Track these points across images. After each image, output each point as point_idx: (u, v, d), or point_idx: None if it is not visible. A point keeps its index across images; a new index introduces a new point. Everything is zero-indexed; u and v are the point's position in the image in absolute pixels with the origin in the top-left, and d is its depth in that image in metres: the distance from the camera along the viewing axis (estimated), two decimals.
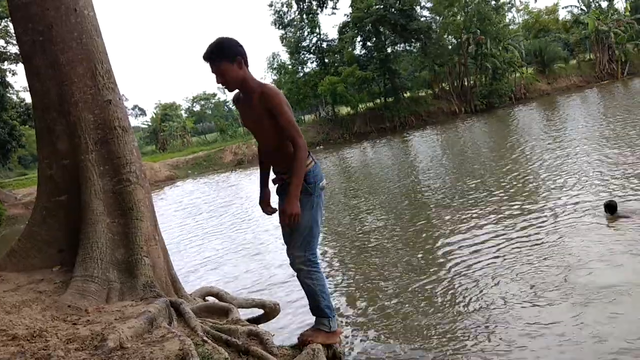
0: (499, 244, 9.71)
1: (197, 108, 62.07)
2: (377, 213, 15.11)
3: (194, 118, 60.41)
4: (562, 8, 73.84)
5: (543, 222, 10.51)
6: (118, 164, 5.41)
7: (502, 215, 11.63)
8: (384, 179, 21.61)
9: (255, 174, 32.58)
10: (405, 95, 50.53)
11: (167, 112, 55.26)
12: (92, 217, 5.16)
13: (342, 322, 7.78)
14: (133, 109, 73.09)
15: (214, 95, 59.71)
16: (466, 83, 50.20)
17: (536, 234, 9.89)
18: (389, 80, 48.62)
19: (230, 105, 65.25)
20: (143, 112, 70.64)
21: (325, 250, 12.30)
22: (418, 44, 49.78)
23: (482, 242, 10.02)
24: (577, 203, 11.31)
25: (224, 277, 11.18)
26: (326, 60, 51.50)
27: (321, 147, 43.73)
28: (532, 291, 7.22)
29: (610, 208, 9.65)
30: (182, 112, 59.73)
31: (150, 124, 59.31)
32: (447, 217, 12.54)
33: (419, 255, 10.15)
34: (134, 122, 74.27)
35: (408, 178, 20.44)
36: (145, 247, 5.21)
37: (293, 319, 7.88)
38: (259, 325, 5.57)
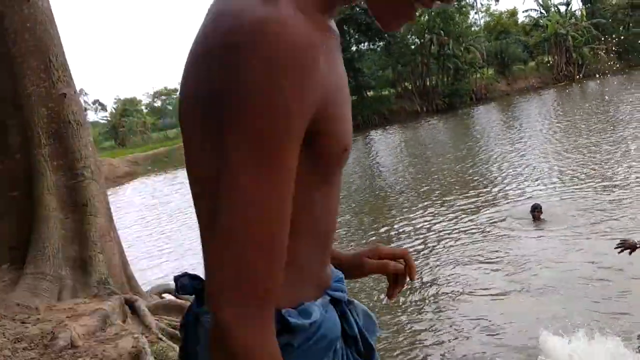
0: (445, 239, 10.00)
1: (158, 103, 61.25)
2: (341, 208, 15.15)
3: (156, 116, 59.69)
4: (522, 11, 75.47)
5: (480, 222, 10.82)
6: (72, 159, 5.30)
7: (452, 215, 11.87)
8: (347, 177, 21.70)
9: None
10: (368, 94, 50.83)
11: (127, 108, 54.38)
12: (44, 213, 5.05)
13: None
14: (94, 103, 71.60)
15: (176, 90, 58.95)
16: (428, 83, 50.78)
17: (469, 229, 10.17)
18: (353, 79, 48.81)
19: None
20: (103, 107, 69.27)
21: None
22: (382, 43, 50.14)
23: (436, 241, 10.24)
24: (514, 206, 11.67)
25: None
26: None
27: None
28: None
29: (535, 210, 9.96)
30: (143, 107, 58.92)
31: (109, 119, 58.29)
32: (400, 215, 12.72)
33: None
34: (94, 117, 72.69)
35: (368, 178, 20.61)
36: (99, 244, 5.12)
37: None
38: None
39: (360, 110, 47.14)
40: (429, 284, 8.19)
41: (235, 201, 0.80)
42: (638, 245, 7.94)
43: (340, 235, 12.75)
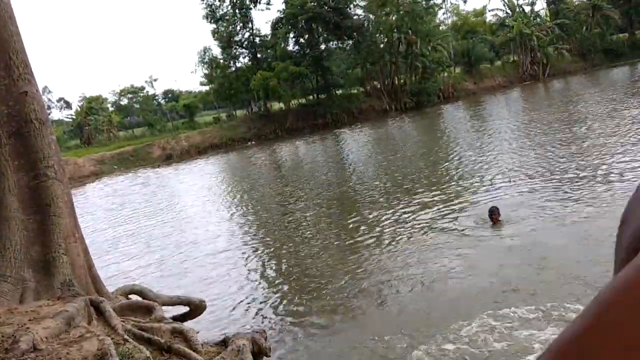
0: (407, 234, 10.10)
1: (124, 102, 60.15)
2: (306, 205, 15.21)
3: (123, 114, 58.70)
4: (489, 11, 76.49)
5: (442, 215, 10.97)
6: (35, 158, 5.18)
7: (414, 210, 12.02)
8: (315, 175, 21.73)
9: (184, 170, 32.07)
10: (337, 92, 50.92)
11: (92, 106, 53.29)
12: (5, 214, 4.93)
13: (272, 317, 7.80)
14: (58, 101, 70.02)
15: (142, 88, 57.93)
16: (397, 81, 51.11)
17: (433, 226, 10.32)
18: (322, 77, 48.87)
19: (160, 99, 63.83)
20: (68, 105, 67.76)
21: (255, 240, 12.30)
22: (351, 42, 50.26)
23: (397, 233, 10.34)
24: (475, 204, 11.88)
25: (152, 275, 10.95)
26: (259, 56, 51.19)
27: (253, 142, 43.45)
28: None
29: (492, 214, 10.10)
30: (109, 105, 57.74)
31: (74, 117, 57.09)
32: (369, 212, 12.81)
33: (335, 244, 10.34)
34: (59, 115, 71.07)
35: (338, 176, 20.67)
36: (63, 245, 5.02)
37: (218, 315, 7.82)
38: (184, 323, 5.49)
39: (329, 108, 47.20)
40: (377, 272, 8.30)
41: None
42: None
43: (308, 225, 12.84)
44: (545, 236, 9.05)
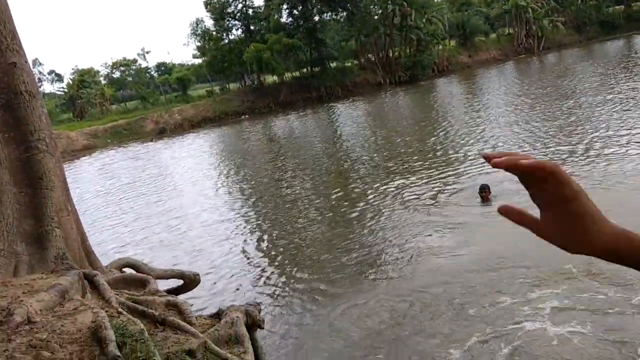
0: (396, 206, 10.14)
1: (117, 75, 59.43)
2: (299, 178, 15.22)
3: (115, 87, 58.03)
4: None
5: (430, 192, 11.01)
6: (25, 131, 5.12)
7: (405, 183, 12.05)
8: (310, 149, 21.68)
9: (177, 144, 31.90)
10: (331, 65, 50.54)
11: (84, 79, 52.69)
12: None
13: (265, 290, 7.85)
14: (49, 74, 69.27)
15: (135, 61, 57.16)
16: (391, 54, 50.73)
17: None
18: (316, 50, 48.45)
19: (153, 72, 63.16)
20: (60, 78, 67.03)
21: (248, 213, 12.33)
22: (345, 13, 49.75)
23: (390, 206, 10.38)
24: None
25: (146, 248, 10.97)
26: (252, 28, 50.66)
27: (246, 116, 43.23)
28: None
29: (483, 191, 10.05)
30: (101, 78, 57.10)
31: (66, 90, 56.47)
32: (360, 185, 12.83)
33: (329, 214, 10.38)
34: (50, 88, 70.40)
35: (330, 149, 20.64)
36: (56, 218, 5.00)
37: (213, 288, 7.87)
38: (178, 296, 5.52)
39: (323, 81, 46.90)
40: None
41: None
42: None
43: (301, 198, 12.87)
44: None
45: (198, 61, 56.73)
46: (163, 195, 16.42)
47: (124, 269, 5.98)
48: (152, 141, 36.55)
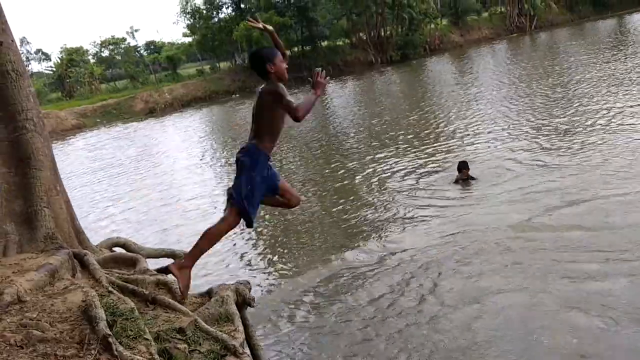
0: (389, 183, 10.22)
1: (105, 53, 58.67)
2: (291, 155, 15.23)
3: (104, 66, 57.29)
4: None
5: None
6: (13, 111, 5.07)
7: (395, 162, 12.13)
8: (299, 126, 21.65)
9: (167, 124, 31.72)
10: (322, 44, 50.18)
11: (73, 57, 52.03)
12: None
13: (256, 267, 7.90)
14: (37, 52, 68.28)
15: (124, 40, 56.32)
16: (383, 33, 50.42)
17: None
18: (307, 28, 48.07)
19: (142, 51, 62.47)
20: (47, 57, 66.06)
21: None
22: None
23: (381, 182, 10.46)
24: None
25: (136, 227, 10.98)
26: (242, 6, 50.12)
27: (237, 95, 42.98)
28: None
29: (462, 169, 10.03)
30: (90, 57, 56.49)
31: (54, 69, 55.76)
32: (348, 158, 12.88)
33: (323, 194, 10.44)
34: (37, 67, 69.46)
35: (322, 124, 20.64)
36: (45, 198, 4.98)
37: (203, 267, 7.90)
38: (169, 275, 5.53)
39: (314, 60, 46.61)
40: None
41: None
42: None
43: (294, 169, 12.94)
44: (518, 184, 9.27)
45: (188, 40, 56.10)
46: (153, 175, 16.40)
47: (114, 248, 5.99)
48: (142, 120, 36.32)
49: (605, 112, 13.45)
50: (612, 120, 12.58)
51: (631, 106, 13.58)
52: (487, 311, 5.69)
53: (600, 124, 12.42)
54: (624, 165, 9.32)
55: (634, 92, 15.26)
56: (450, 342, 5.31)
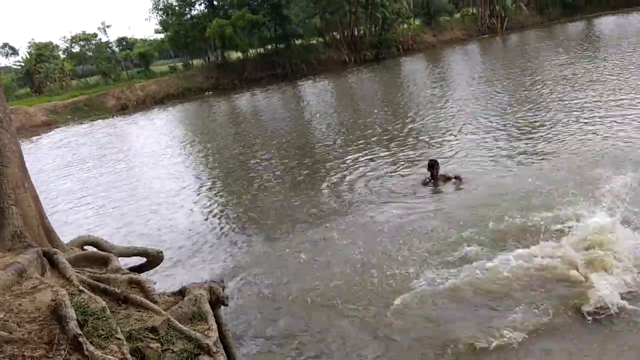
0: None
1: (76, 49, 57.57)
2: (264, 154, 15.17)
3: (75, 62, 56.17)
4: None
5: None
6: None
7: (366, 162, 12.17)
8: (273, 125, 21.57)
9: (139, 120, 31.33)
10: (296, 42, 50.07)
11: (42, 53, 50.99)
12: None
13: (230, 265, 7.84)
14: (3, 47, 66.72)
15: (95, 35, 55.28)
16: (356, 33, 50.51)
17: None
18: (280, 26, 47.89)
19: (114, 47, 61.51)
20: (14, 51, 64.58)
21: (212, 189, 12.25)
22: None
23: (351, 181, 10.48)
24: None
25: (109, 225, 10.81)
26: (215, 3, 49.72)
27: (210, 92, 42.66)
28: None
29: (432, 166, 9.94)
30: (60, 53, 55.38)
31: (23, 64, 54.54)
32: (327, 163, 12.89)
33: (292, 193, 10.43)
34: (4, 61, 68.05)
35: (295, 124, 20.59)
36: (12, 195, 4.85)
37: (179, 265, 7.82)
38: (142, 274, 5.45)
39: (288, 58, 46.53)
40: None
41: None
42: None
43: (265, 172, 12.85)
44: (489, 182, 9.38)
45: (160, 36, 55.48)
46: (125, 172, 16.16)
47: (85, 247, 5.88)
48: (113, 117, 35.80)
49: (567, 110, 14.06)
50: (572, 116, 13.09)
51: (594, 101, 14.35)
52: None
53: (562, 122, 12.86)
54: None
55: (599, 90, 15.83)
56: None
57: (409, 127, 15.73)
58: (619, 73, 18.20)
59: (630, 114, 12.49)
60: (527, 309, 5.53)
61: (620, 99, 14.26)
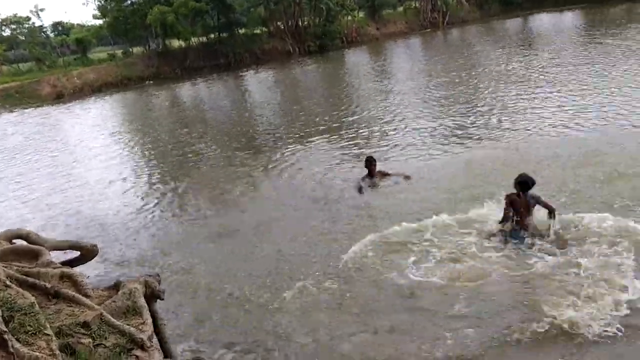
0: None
1: (7, 33, 55.04)
2: (204, 144, 15.02)
3: (6, 46, 53.68)
4: None
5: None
6: None
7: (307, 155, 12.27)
8: (216, 115, 21.35)
9: (76, 109, 30.36)
10: (240, 31, 49.51)
11: None
12: None
13: (167, 260, 7.75)
14: None
15: (28, 19, 52.97)
16: (300, 23, 50.43)
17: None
18: (224, 15, 47.23)
19: (49, 32, 59.22)
20: None
21: (151, 181, 12.05)
22: None
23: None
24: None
25: (42, 218, 10.48)
26: None
27: (150, 82, 41.70)
28: None
29: (370, 162, 9.92)
30: None
31: None
32: (263, 152, 12.89)
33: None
34: None
35: (237, 113, 20.47)
36: None
37: (113, 259, 7.68)
38: (75, 268, 5.31)
39: (231, 47, 46.02)
40: None
41: None
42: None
43: (205, 163, 12.75)
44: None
45: (99, 22, 53.72)
46: (59, 163, 15.66)
47: (14, 241, 5.68)
48: (48, 106, 34.50)
49: (501, 104, 14.67)
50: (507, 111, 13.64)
51: (523, 98, 15.06)
52: None
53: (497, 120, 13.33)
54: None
55: (531, 85, 16.49)
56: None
57: (350, 119, 15.87)
58: (543, 68, 19.16)
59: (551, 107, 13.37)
60: None
61: (544, 92, 15.12)
